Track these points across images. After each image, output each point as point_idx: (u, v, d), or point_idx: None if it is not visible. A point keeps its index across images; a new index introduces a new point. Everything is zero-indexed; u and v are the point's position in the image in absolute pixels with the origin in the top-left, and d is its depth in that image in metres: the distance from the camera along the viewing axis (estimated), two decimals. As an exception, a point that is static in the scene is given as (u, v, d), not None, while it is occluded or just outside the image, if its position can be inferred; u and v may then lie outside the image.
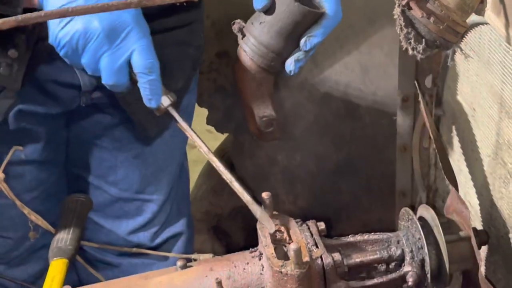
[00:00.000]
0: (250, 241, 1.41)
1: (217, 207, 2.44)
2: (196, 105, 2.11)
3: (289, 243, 1.31)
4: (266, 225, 1.32)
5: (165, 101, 1.43)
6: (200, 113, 2.22)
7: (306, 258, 1.27)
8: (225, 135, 2.42)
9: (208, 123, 2.25)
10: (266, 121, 1.66)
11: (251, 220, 1.38)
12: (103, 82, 1.42)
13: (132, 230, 1.97)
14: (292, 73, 1.51)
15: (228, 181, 1.37)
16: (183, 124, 1.43)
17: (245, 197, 1.35)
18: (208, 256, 1.49)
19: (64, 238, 1.46)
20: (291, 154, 2.21)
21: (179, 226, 2.03)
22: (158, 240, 2.00)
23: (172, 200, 2.00)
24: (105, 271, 1.93)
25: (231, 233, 2.46)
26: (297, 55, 1.50)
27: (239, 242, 2.43)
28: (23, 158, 1.71)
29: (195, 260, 1.45)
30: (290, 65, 1.50)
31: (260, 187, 2.14)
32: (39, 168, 1.77)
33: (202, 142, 1.40)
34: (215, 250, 2.33)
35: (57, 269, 1.38)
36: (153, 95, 1.41)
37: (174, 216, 2.02)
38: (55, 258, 1.42)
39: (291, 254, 1.26)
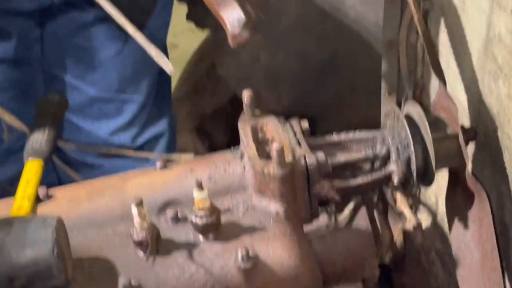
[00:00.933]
0: (233, 142, 1.38)
1: (199, 107, 2.42)
2: (176, 3, 2.05)
3: (272, 143, 1.27)
4: (162, 65, 1.29)
5: None
6: (181, 11, 2.16)
7: (289, 158, 1.24)
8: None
9: (187, 18, 2.19)
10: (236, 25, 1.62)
11: (234, 120, 1.35)
12: None
13: (112, 131, 1.97)
14: None
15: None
16: None
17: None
18: (189, 156, 1.47)
19: (39, 139, 1.43)
20: (273, 52, 2.16)
21: (160, 126, 2.03)
22: (140, 140, 2.00)
23: (153, 100, 1.99)
24: (86, 173, 1.92)
25: (213, 134, 2.44)
26: None
27: (222, 143, 2.41)
28: None
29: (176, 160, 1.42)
30: None
31: (243, 86, 2.09)
32: (12, 67, 1.76)
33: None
34: (197, 151, 2.32)
35: (32, 170, 1.36)
36: None
37: (155, 116, 2.02)
38: (30, 159, 1.40)
39: (273, 154, 1.23)
